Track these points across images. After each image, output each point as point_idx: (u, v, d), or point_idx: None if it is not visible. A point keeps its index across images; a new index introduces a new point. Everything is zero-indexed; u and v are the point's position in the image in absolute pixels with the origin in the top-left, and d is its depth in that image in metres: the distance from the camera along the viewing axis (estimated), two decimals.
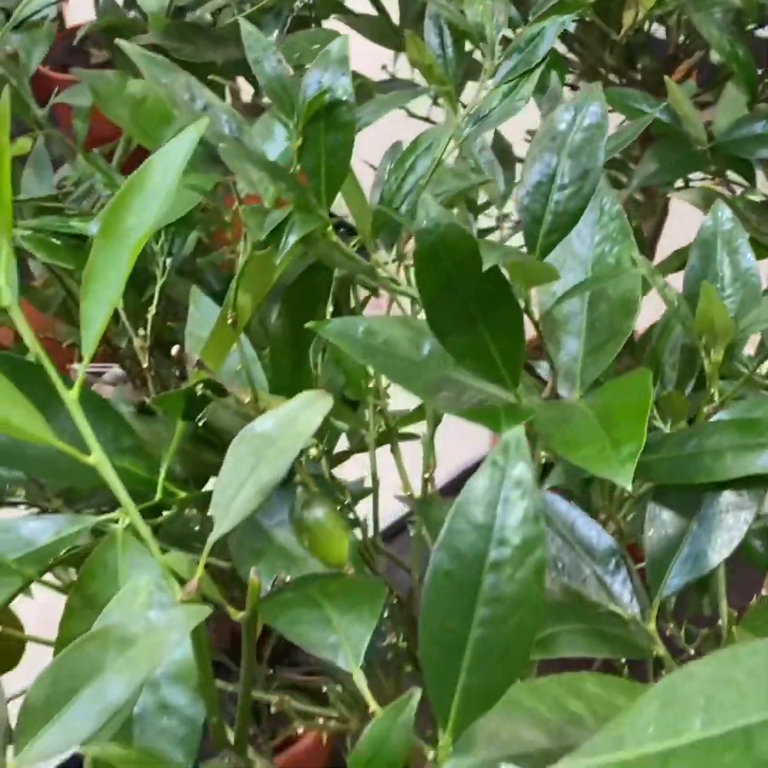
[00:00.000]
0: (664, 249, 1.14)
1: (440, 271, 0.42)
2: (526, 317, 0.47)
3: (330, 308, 0.63)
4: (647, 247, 1.13)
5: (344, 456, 0.74)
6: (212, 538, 0.41)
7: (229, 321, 0.55)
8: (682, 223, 0.90)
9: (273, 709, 0.43)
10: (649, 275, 0.48)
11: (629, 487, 0.37)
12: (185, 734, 0.46)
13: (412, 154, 0.51)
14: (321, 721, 0.48)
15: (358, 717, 0.54)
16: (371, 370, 0.67)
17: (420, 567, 0.60)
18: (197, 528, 0.63)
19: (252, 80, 0.93)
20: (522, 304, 0.45)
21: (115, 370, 0.94)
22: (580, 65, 1.11)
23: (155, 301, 0.72)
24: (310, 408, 0.42)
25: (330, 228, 0.50)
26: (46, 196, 0.75)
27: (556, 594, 0.45)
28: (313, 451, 0.63)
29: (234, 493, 0.42)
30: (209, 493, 0.65)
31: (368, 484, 0.69)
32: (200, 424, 0.67)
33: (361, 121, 0.50)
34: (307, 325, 0.48)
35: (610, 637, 0.42)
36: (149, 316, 0.71)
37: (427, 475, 0.56)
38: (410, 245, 0.61)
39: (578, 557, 0.46)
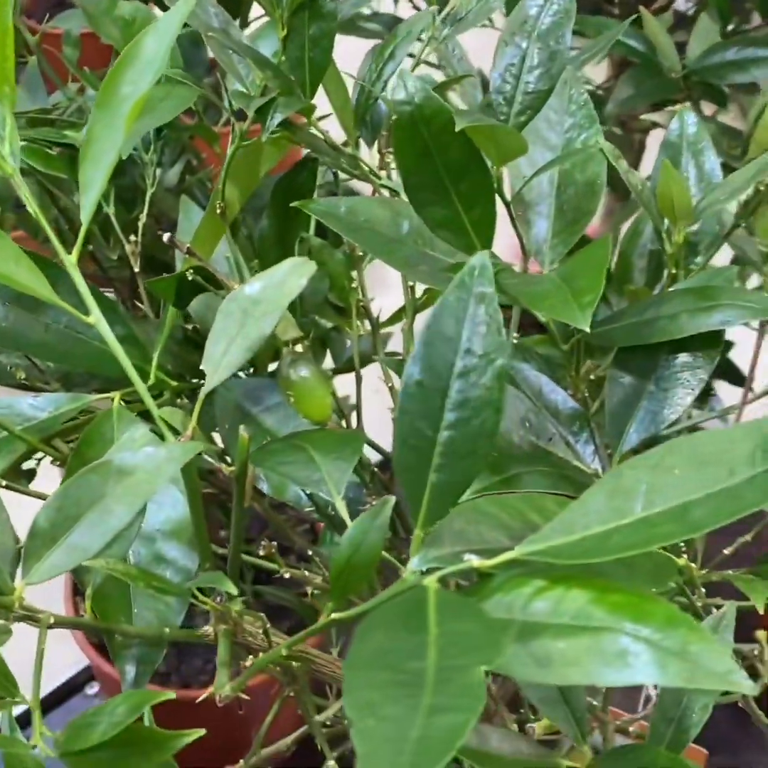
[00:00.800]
0: None
1: (418, 141, 0.45)
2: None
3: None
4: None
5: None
6: (205, 390, 0.44)
7: (218, 211, 0.58)
8: None
9: (262, 552, 0.46)
10: (613, 158, 0.51)
11: (587, 328, 0.40)
12: (179, 582, 0.49)
13: (392, 43, 0.54)
14: (307, 573, 0.52)
15: None
16: (354, 274, 0.70)
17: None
18: None
19: None
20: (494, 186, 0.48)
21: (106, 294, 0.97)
22: None
23: (146, 211, 0.75)
24: (296, 272, 0.45)
25: (314, 116, 0.53)
26: (39, 109, 0.77)
27: (525, 450, 0.48)
28: (299, 347, 0.67)
29: (225, 349, 0.44)
30: (199, 385, 0.68)
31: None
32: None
33: (342, 13, 0.53)
34: (294, 203, 0.51)
35: (573, 480, 0.46)
36: (140, 225, 0.73)
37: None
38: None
39: (545, 419, 0.50)
